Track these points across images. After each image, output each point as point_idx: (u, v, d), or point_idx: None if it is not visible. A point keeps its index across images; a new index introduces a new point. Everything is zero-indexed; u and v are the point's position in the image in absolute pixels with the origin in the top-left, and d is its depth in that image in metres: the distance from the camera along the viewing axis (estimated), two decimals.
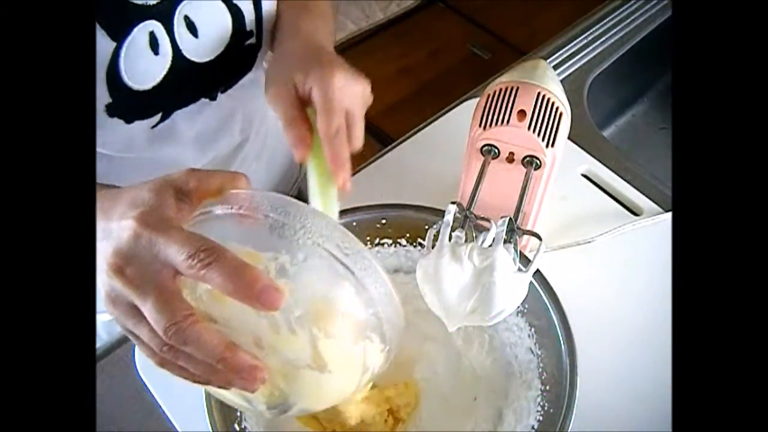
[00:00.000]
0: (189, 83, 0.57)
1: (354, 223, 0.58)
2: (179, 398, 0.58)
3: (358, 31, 1.99)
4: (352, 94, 0.47)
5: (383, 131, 1.50)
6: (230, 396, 0.40)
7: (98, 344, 0.64)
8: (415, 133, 0.80)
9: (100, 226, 0.37)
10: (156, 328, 0.34)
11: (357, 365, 0.40)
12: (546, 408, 0.50)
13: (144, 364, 0.60)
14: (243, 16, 0.57)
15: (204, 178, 0.38)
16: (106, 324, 0.71)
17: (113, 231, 0.36)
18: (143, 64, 0.52)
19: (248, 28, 0.58)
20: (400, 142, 0.79)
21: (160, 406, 0.58)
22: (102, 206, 0.37)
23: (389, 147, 0.79)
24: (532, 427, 0.51)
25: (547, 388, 0.51)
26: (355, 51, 1.92)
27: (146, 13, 0.50)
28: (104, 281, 0.35)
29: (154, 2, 0.51)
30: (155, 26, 0.51)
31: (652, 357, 0.59)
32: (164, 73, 0.53)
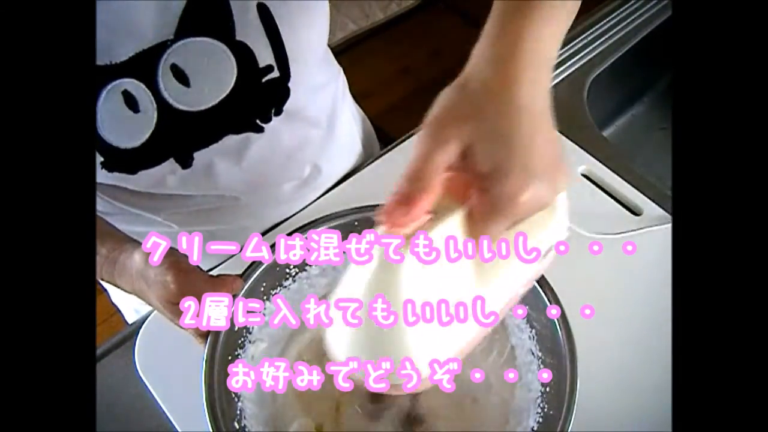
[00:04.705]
0: (189, 132, 0.54)
1: (356, 223, 0.57)
2: (179, 398, 0.58)
3: (358, 30, 1.99)
4: (531, 208, 0.34)
5: (383, 131, 1.50)
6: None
7: (98, 344, 0.64)
8: (415, 133, 0.80)
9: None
10: None
11: None
12: (546, 409, 0.50)
13: (144, 364, 0.60)
14: (252, 54, 0.52)
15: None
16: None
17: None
18: (123, 125, 0.50)
19: (263, 64, 0.53)
20: (400, 142, 0.79)
21: (160, 406, 0.58)
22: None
23: (389, 147, 0.79)
24: (532, 429, 0.50)
25: (547, 389, 0.51)
26: (355, 51, 1.92)
27: (115, 72, 0.48)
28: None
29: (124, 59, 0.47)
30: (129, 84, 0.48)
31: (652, 357, 0.59)
32: (151, 130, 0.51)
